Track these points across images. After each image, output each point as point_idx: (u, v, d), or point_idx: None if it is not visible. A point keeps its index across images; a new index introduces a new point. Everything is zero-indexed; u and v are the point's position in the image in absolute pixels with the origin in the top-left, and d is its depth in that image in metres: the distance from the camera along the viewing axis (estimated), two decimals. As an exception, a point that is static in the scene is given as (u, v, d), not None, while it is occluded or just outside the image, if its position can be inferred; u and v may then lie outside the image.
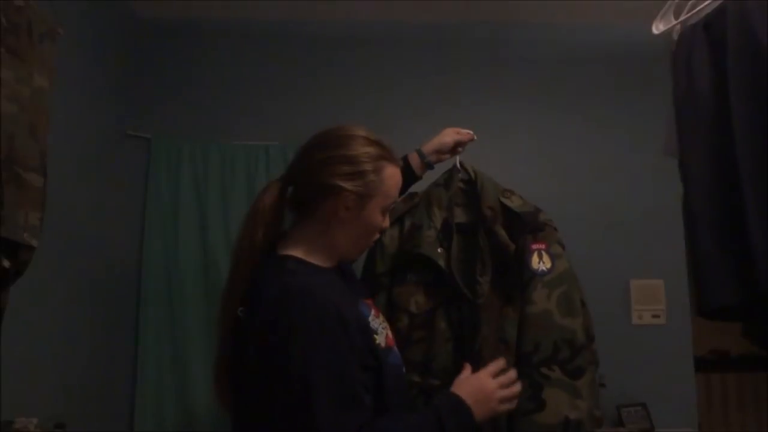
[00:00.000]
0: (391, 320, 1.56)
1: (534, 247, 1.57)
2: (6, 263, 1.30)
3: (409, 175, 1.64)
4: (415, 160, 1.65)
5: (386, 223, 1.23)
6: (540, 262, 1.56)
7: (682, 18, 1.45)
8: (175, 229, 2.52)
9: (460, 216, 1.68)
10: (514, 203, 1.64)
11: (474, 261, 1.61)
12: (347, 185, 1.14)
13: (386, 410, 1.08)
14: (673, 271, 2.57)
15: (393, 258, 1.65)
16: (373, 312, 1.20)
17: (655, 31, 1.52)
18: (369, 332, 1.12)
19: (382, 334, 1.16)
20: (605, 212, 2.63)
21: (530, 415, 1.46)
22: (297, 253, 1.16)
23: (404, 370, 1.19)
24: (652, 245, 2.61)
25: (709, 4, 1.36)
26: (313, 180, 1.17)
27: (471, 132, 1.72)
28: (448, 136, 1.67)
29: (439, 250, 1.59)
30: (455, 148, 1.70)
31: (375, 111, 2.70)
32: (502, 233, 1.58)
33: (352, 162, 1.15)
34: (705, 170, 1.31)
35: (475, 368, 1.46)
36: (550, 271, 1.55)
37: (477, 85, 2.73)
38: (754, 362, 3.58)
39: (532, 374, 1.49)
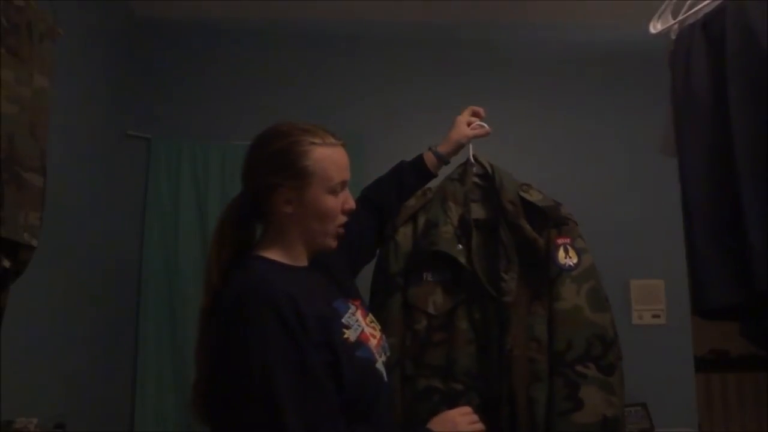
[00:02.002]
0: (409, 322, 1.53)
1: (559, 241, 1.54)
2: (6, 263, 1.31)
3: (426, 174, 1.62)
4: (431, 160, 1.61)
5: (349, 203, 1.20)
6: (567, 257, 1.53)
7: (680, 18, 1.45)
8: (175, 229, 2.53)
9: (477, 212, 1.62)
10: (533, 197, 1.60)
11: (496, 257, 1.55)
12: (279, 180, 1.14)
13: (351, 405, 1.07)
14: (673, 271, 2.57)
15: (407, 257, 1.58)
16: (358, 312, 1.20)
17: (652, 30, 1.52)
18: (335, 327, 1.11)
19: (357, 330, 1.15)
20: (605, 212, 2.63)
21: (568, 415, 1.42)
22: (261, 253, 1.17)
23: (378, 365, 1.16)
24: (652, 245, 2.62)
25: (707, 4, 1.36)
26: (252, 184, 1.19)
27: (486, 126, 1.66)
28: (463, 135, 1.62)
29: (458, 246, 1.55)
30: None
31: (374, 111, 2.71)
32: (528, 227, 1.54)
33: (278, 156, 1.16)
34: (703, 170, 1.31)
35: (506, 370, 1.48)
36: (577, 265, 1.52)
37: (476, 85, 2.73)
38: (754, 362, 3.59)
39: (567, 373, 1.45)
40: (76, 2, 2.09)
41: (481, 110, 1.68)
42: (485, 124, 1.66)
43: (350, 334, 1.13)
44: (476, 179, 1.66)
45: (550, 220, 1.55)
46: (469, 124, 1.65)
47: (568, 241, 1.54)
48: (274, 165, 1.16)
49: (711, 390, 3.77)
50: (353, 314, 1.18)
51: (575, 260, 1.52)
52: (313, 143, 1.17)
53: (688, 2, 1.44)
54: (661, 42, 1.51)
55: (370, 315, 1.28)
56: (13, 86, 1.32)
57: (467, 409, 1.25)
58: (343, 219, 1.20)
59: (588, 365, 1.45)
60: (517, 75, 2.78)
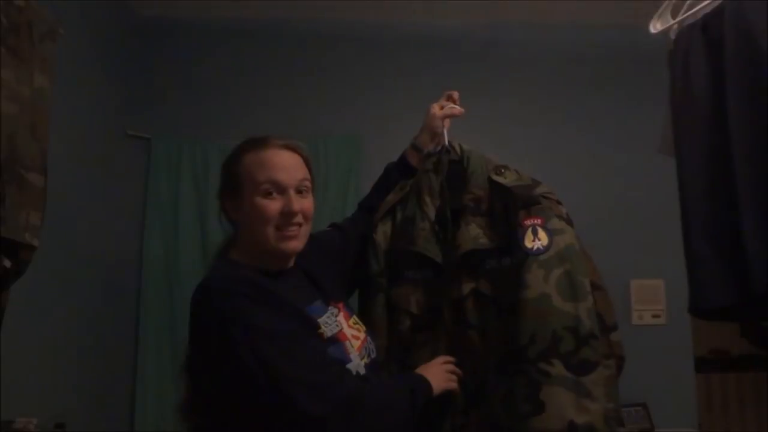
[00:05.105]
0: (393, 323, 1.43)
1: (527, 223, 1.35)
2: (7, 263, 1.31)
3: (410, 170, 1.57)
4: (413, 156, 1.58)
5: (288, 205, 1.16)
6: (535, 240, 1.34)
7: (679, 18, 1.45)
8: (175, 229, 2.53)
9: (454, 202, 1.48)
10: (507, 179, 1.44)
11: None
12: (223, 191, 1.23)
13: None
14: (673, 271, 2.55)
15: (387, 256, 1.48)
16: (340, 314, 1.21)
17: (652, 30, 1.52)
18: (309, 322, 1.13)
19: (334, 329, 1.16)
20: (605, 212, 2.63)
21: (527, 419, 1.25)
22: (232, 256, 1.21)
23: (352, 366, 1.15)
24: (652, 245, 2.62)
25: (706, 4, 1.36)
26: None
27: (457, 107, 1.59)
28: (436, 120, 1.56)
29: (435, 244, 1.43)
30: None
31: (374, 111, 2.71)
32: (471, 229, 1.41)
33: (222, 171, 1.24)
34: (701, 170, 1.31)
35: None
36: (546, 248, 1.33)
37: (476, 86, 2.73)
38: (754, 362, 3.58)
39: (528, 371, 1.27)
40: (76, 2, 2.09)
41: (454, 93, 1.62)
42: (456, 106, 1.59)
43: (325, 330, 1.14)
44: (451, 166, 1.52)
45: (518, 200, 1.39)
46: (441, 109, 1.59)
47: (538, 221, 1.35)
48: (221, 179, 1.24)
49: (711, 390, 3.76)
50: (333, 315, 1.19)
51: (545, 242, 1.33)
52: (245, 151, 1.20)
53: (687, 2, 1.44)
54: (661, 42, 1.51)
55: (354, 317, 1.28)
56: (14, 86, 1.33)
57: (446, 358, 1.33)
58: (284, 223, 1.16)
59: (552, 362, 1.26)
60: (517, 75, 2.78)
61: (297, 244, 1.19)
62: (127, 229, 2.54)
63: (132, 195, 2.57)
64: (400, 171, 1.58)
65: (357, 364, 1.15)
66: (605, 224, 2.60)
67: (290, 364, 1.02)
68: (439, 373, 1.28)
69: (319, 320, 1.15)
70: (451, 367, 1.32)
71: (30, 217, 1.37)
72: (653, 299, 2.67)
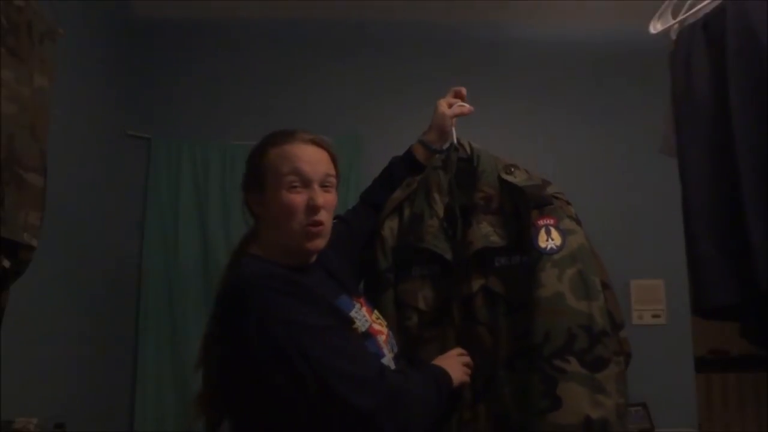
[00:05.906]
0: (401, 319, 1.45)
1: (540, 223, 1.38)
2: (6, 263, 1.31)
3: (416, 166, 1.57)
4: (419, 150, 1.58)
5: (313, 199, 1.15)
6: (548, 240, 1.37)
7: (680, 18, 1.45)
8: (175, 229, 2.53)
9: (462, 199, 1.50)
10: (517, 178, 1.46)
11: None
12: (247, 185, 1.21)
13: None
14: (673, 271, 2.57)
15: (395, 252, 1.49)
16: (363, 309, 1.21)
17: (652, 30, 1.52)
18: (343, 316, 1.13)
19: (365, 324, 1.17)
20: (605, 212, 2.63)
21: (545, 414, 1.28)
22: (251, 251, 1.19)
23: (386, 361, 1.15)
24: (652, 245, 2.62)
25: (707, 3, 1.36)
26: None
27: (466, 105, 1.59)
28: (446, 119, 1.57)
29: (444, 241, 1.45)
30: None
31: (375, 111, 2.71)
32: (482, 226, 1.43)
33: (247, 164, 1.23)
34: (704, 169, 1.31)
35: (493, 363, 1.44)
36: (560, 248, 1.36)
37: (476, 86, 2.70)
38: (754, 362, 3.58)
39: (544, 368, 1.30)
40: (76, 2, 2.09)
41: (462, 90, 1.62)
42: (465, 104, 1.60)
43: (359, 326, 1.14)
44: (460, 164, 1.54)
45: (531, 200, 1.41)
46: (450, 106, 1.59)
47: (551, 222, 1.39)
48: (246, 173, 1.22)
49: (711, 390, 3.77)
50: (359, 310, 1.19)
51: (558, 242, 1.37)
52: (270, 144, 1.19)
53: (688, 2, 1.44)
54: (661, 42, 1.51)
55: (376, 311, 1.28)
56: (13, 86, 1.32)
57: (461, 350, 1.34)
58: (307, 217, 1.15)
59: (568, 359, 1.29)
60: (517, 75, 2.78)
61: (321, 242, 1.18)
62: (127, 229, 2.54)
63: (132, 195, 2.57)
64: (406, 166, 1.58)
65: (388, 358, 1.16)
66: (605, 224, 2.59)
67: (335, 358, 1.02)
68: (456, 365, 1.28)
69: (351, 314, 1.15)
70: (466, 359, 1.32)
71: (29, 218, 1.37)
72: (653, 299, 2.67)
